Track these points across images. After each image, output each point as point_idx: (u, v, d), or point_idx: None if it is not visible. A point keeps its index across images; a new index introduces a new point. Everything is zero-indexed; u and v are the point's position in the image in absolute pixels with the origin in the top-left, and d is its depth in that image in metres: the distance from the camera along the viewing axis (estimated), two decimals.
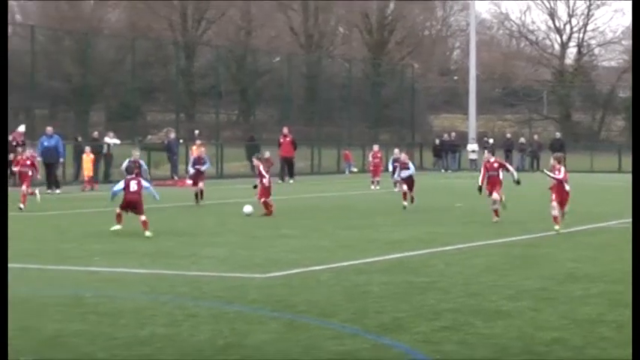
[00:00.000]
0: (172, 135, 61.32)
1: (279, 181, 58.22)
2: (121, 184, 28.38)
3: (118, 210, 28.21)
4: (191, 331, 14.93)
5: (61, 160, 51.28)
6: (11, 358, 12.55)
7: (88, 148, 53.74)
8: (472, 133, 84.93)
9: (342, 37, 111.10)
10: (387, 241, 27.37)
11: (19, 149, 40.96)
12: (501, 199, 32.95)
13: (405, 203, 37.64)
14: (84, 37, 76.43)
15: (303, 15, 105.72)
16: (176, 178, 58.54)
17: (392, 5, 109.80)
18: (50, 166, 49.10)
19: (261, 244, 26.78)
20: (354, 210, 38.32)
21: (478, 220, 32.79)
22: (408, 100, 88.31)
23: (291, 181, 59.82)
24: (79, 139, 59.22)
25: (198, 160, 42.01)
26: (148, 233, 26.93)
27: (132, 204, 27.92)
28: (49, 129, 51.75)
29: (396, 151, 50.17)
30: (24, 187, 36.15)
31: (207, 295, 17.96)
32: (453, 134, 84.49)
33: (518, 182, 33.55)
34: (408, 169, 39.39)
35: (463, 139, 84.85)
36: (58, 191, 48.32)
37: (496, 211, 32.52)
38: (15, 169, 37.76)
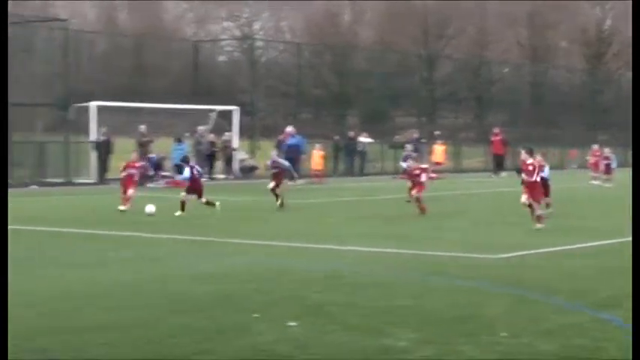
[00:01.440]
0: (416, 135, 61.56)
1: (492, 176, 57.79)
2: None
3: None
4: (431, 302, 15.14)
5: (303, 156, 51.82)
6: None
7: (318, 146, 54.18)
8: None
9: (563, 49, 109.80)
10: (590, 228, 27.22)
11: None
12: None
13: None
14: (341, 50, 77.79)
15: (530, 31, 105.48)
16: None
17: (609, 21, 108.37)
18: (294, 161, 49.50)
19: (489, 229, 26.91)
20: (573, 201, 37.57)
21: None
22: (623, 106, 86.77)
23: (503, 174, 58.66)
24: (337, 137, 60.18)
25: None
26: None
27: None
28: (291, 129, 52.54)
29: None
30: (131, 191, 31.19)
31: (445, 272, 18.12)
32: None
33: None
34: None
35: None
36: (300, 182, 46.96)
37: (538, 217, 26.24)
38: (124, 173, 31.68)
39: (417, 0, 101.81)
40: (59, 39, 49.78)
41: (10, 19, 54.61)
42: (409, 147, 43.29)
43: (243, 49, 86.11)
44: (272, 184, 32.60)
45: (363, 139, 59.20)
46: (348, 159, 58.44)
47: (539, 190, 26.68)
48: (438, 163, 57.40)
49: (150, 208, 28.48)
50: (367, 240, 23.46)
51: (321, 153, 53.57)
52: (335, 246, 22.23)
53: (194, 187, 29.65)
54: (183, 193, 29.59)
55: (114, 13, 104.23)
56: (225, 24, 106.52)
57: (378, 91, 72.30)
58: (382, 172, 58.56)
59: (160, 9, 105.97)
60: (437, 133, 64.98)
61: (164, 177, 45.39)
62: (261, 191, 35.36)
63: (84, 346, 11.97)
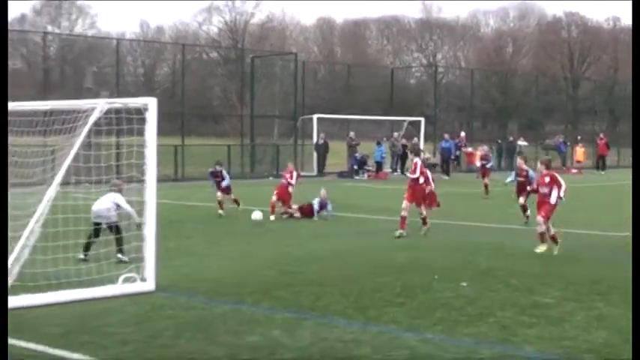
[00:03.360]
0: (561, 139, 60.23)
1: (595, 171, 55.80)
2: None
3: None
4: (574, 269, 14.95)
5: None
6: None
7: (480, 148, 53.53)
8: None
9: None
10: None
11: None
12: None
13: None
14: (504, 74, 77.33)
15: None
16: None
17: None
18: (446, 161, 48.02)
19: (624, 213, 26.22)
20: None
21: None
22: None
23: (602, 173, 55.78)
24: (499, 141, 59.62)
25: None
26: None
27: None
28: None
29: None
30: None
31: (588, 246, 17.81)
32: None
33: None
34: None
35: None
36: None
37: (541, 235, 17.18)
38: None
39: (564, 35, 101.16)
40: (291, 68, 50.71)
41: (257, 54, 55.92)
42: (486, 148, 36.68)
43: (429, 74, 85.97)
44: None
45: (521, 142, 58.56)
46: (508, 158, 57.86)
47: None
48: (578, 161, 56.39)
49: (256, 215, 22.06)
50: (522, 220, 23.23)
51: (481, 153, 53.23)
52: (497, 225, 22.11)
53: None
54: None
55: (331, 48, 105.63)
56: (415, 55, 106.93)
57: (532, 105, 71.41)
58: (535, 168, 57.68)
59: (365, 44, 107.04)
60: (578, 137, 63.71)
61: (367, 171, 45.69)
62: (440, 182, 35.29)
63: (302, 298, 12.33)
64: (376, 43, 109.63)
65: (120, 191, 15.19)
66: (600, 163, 58.74)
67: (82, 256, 14.43)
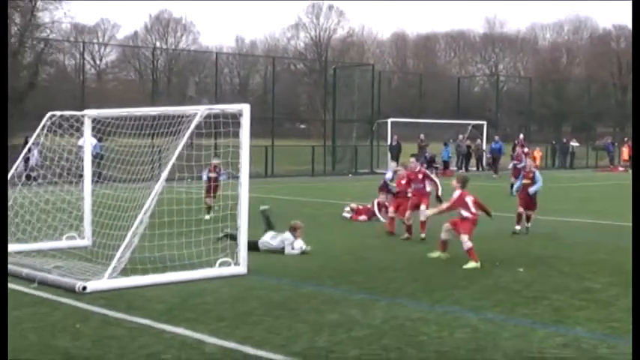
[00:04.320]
0: (610, 140, 58.99)
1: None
2: None
3: None
4: (620, 257, 14.59)
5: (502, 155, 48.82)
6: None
7: (537, 148, 52.85)
8: None
9: None
10: None
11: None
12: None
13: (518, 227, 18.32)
14: (560, 82, 76.13)
15: None
16: None
17: None
18: (495, 160, 46.04)
19: None
20: None
21: None
22: None
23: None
24: (554, 142, 58.64)
25: None
26: None
27: None
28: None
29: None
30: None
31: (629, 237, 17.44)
32: None
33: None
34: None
35: None
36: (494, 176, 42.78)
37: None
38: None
39: (613, 46, 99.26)
40: (369, 77, 50.63)
41: (338, 66, 55.95)
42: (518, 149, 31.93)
43: (491, 82, 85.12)
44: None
45: (573, 143, 57.58)
46: (561, 157, 56.88)
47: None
48: (625, 160, 55.28)
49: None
50: (573, 213, 22.82)
51: (540, 153, 52.61)
52: (551, 217, 21.74)
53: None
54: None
55: (404, 59, 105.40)
56: (479, 65, 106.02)
57: (584, 110, 70.14)
58: (586, 167, 56.54)
59: (435, 55, 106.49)
60: (625, 139, 62.30)
61: (436, 168, 45.35)
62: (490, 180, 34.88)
63: (376, 282, 12.29)
64: (444, 55, 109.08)
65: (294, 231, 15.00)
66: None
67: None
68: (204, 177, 19.37)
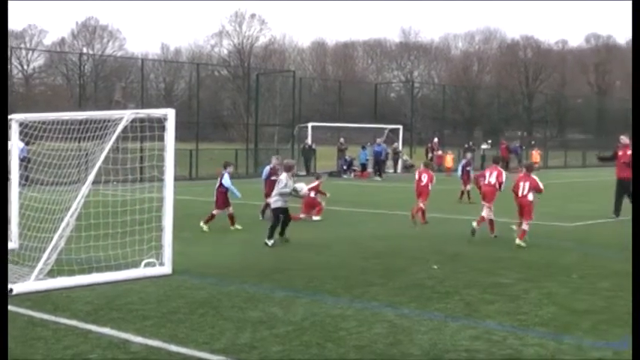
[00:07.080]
0: (517, 144, 60.26)
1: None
2: None
3: None
4: (528, 254, 14.94)
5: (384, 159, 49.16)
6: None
7: (450, 151, 53.38)
8: None
9: (617, 86, 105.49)
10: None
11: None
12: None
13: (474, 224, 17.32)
14: (471, 89, 77.43)
15: (596, 74, 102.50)
16: None
17: None
18: (380, 162, 45.75)
19: (569, 206, 26.16)
20: None
21: None
22: None
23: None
24: (466, 145, 59.57)
25: None
26: None
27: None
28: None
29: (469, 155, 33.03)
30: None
31: (539, 235, 17.74)
32: None
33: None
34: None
35: None
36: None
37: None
38: None
39: (521, 55, 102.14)
40: (290, 83, 50.68)
41: (261, 72, 55.76)
42: (469, 155, 32.99)
43: (407, 88, 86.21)
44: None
45: (484, 146, 58.72)
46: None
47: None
48: (535, 163, 56.47)
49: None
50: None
51: (452, 156, 53.08)
52: (466, 217, 22.04)
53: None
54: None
55: (324, 66, 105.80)
56: (395, 72, 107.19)
57: (494, 115, 71.58)
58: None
59: (353, 63, 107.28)
60: (532, 142, 63.93)
61: (354, 171, 45.68)
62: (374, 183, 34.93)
63: (296, 280, 12.30)
64: (362, 62, 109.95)
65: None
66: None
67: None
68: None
